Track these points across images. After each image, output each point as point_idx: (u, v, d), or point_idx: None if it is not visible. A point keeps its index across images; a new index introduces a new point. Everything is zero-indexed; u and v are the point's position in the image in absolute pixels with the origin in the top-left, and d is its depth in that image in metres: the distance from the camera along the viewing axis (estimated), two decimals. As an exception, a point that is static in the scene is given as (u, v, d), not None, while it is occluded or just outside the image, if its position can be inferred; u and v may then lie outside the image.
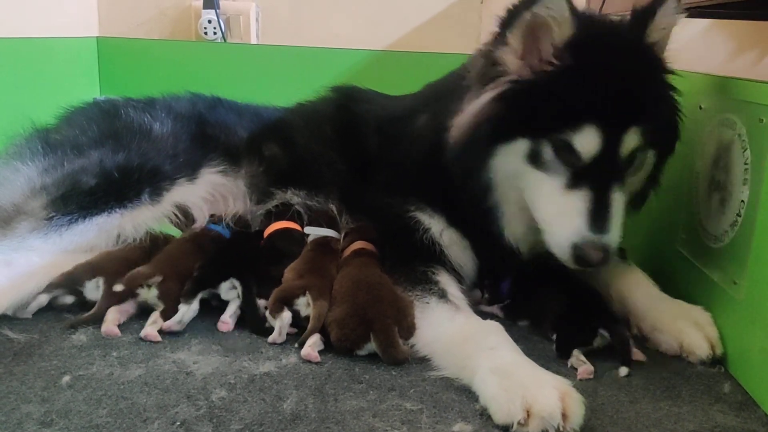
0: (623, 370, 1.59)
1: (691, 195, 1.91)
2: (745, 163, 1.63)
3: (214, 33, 3.20)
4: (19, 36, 2.68)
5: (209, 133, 2.23)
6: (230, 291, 1.77)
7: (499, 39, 1.67)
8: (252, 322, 1.74)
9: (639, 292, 1.84)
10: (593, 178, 1.60)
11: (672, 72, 1.71)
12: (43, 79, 2.81)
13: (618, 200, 1.62)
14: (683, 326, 1.69)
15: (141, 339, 1.67)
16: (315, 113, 2.35)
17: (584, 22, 1.64)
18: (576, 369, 1.60)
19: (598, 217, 1.59)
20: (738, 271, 1.62)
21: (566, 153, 1.61)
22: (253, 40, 3.28)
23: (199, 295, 1.74)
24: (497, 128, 1.66)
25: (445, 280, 1.81)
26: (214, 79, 3.00)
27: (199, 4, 3.23)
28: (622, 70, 1.62)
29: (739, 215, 1.64)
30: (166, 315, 1.70)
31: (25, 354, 1.58)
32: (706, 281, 1.78)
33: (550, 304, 1.78)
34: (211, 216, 2.13)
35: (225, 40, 3.22)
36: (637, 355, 1.65)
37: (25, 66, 2.71)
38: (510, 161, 1.68)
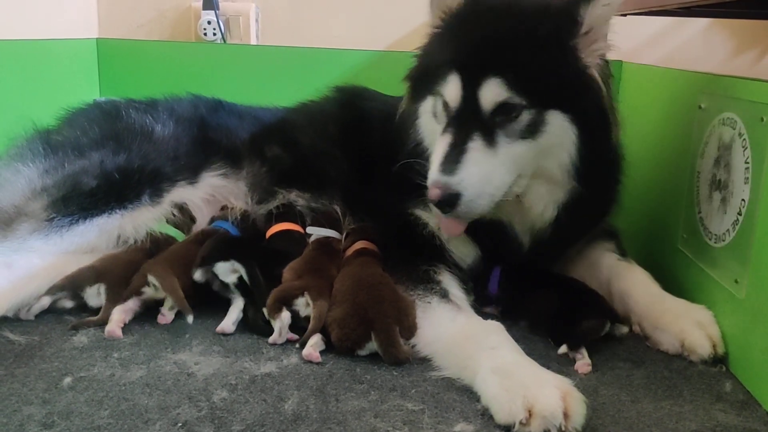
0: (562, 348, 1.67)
1: (692, 194, 1.90)
2: (746, 162, 1.63)
3: (214, 34, 3.19)
4: (20, 38, 2.68)
5: (210, 136, 2.23)
6: (229, 274, 1.77)
7: (429, 17, 1.83)
8: (261, 301, 1.73)
9: (640, 291, 1.84)
10: (455, 125, 1.66)
11: (577, 46, 1.65)
12: (43, 80, 2.80)
13: (476, 149, 1.62)
14: (685, 325, 1.69)
15: (142, 340, 1.67)
16: (319, 112, 2.35)
17: None
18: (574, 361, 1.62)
19: (447, 159, 1.62)
20: (740, 270, 1.62)
21: (445, 106, 1.71)
22: (253, 41, 3.27)
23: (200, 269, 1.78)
24: (415, 91, 1.85)
25: (447, 279, 1.80)
26: (214, 80, 2.99)
27: (198, 5, 3.23)
28: (486, 27, 1.69)
29: (740, 214, 1.64)
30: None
31: (27, 356, 1.58)
32: (707, 280, 1.77)
33: (542, 304, 1.79)
34: (222, 209, 2.13)
35: (225, 41, 3.22)
36: (582, 368, 1.61)
37: (25, 68, 2.70)
38: (425, 118, 1.82)
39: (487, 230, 1.83)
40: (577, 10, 1.64)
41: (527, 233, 1.86)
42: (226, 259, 1.78)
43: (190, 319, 1.74)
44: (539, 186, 1.75)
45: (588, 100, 1.68)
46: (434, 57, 1.77)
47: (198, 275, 1.79)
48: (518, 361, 1.47)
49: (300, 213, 2.12)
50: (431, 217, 1.89)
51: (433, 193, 1.61)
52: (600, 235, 2.06)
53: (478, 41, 1.68)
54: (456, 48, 1.70)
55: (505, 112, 1.64)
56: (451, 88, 1.67)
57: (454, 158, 1.62)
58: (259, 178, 2.23)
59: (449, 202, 1.61)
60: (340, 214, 2.13)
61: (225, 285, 1.79)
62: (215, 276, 1.79)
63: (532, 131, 1.66)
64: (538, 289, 1.85)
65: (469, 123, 1.64)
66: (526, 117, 1.64)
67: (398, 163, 1.87)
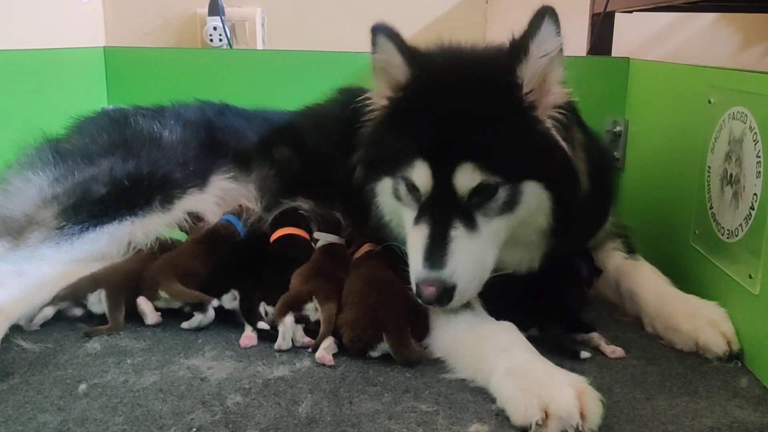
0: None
1: (703, 190, 1.89)
2: (758, 156, 1.62)
3: (220, 40, 3.21)
4: (27, 48, 2.70)
5: (219, 139, 2.23)
6: (233, 302, 1.78)
7: (374, 87, 1.76)
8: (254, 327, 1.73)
9: (648, 290, 1.83)
10: (431, 213, 1.59)
11: (534, 110, 1.60)
12: (51, 89, 2.82)
13: (460, 237, 1.55)
14: (697, 324, 1.67)
15: (154, 346, 1.68)
16: (323, 115, 2.35)
17: (425, 62, 1.66)
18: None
19: (433, 253, 1.55)
20: (753, 265, 1.60)
21: (412, 189, 1.63)
22: (259, 46, 3.29)
23: (211, 305, 1.76)
24: (369, 170, 1.78)
25: None
26: (221, 85, 3.00)
27: (204, 12, 3.25)
28: (451, 109, 1.59)
29: (752, 209, 1.62)
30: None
31: (41, 363, 1.59)
32: (721, 276, 1.76)
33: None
34: (239, 206, 2.15)
35: (231, 47, 3.23)
36: (614, 353, 1.64)
37: (33, 77, 2.72)
38: (384, 198, 1.78)
39: None
40: (514, 72, 1.57)
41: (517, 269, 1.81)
42: (226, 290, 1.78)
43: (214, 302, 1.75)
44: (515, 250, 1.72)
45: (555, 162, 1.63)
46: (391, 141, 1.67)
47: (211, 313, 1.77)
48: (532, 361, 1.46)
49: (304, 217, 2.12)
50: None
51: (428, 292, 1.53)
52: (607, 235, 2.04)
53: (442, 127, 1.59)
54: (419, 134, 1.61)
55: (481, 193, 1.58)
56: (421, 176, 1.59)
57: (438, 250, 1.54)
58: (268, 181, 2.23)
59: (446, 297, 1.54)
60: (340, 217, 2.14)
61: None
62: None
63: (509, 205, 1.61)
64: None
65: (446, 210, 1.57)
66: (502, 194, 1.59)
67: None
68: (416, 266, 1.57)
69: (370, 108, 1.78)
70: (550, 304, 1.75)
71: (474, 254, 1.58)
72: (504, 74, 1.59)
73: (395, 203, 1.73)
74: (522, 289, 1.76)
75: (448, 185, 1.57)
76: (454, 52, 1.76)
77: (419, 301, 1.59)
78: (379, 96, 1.75)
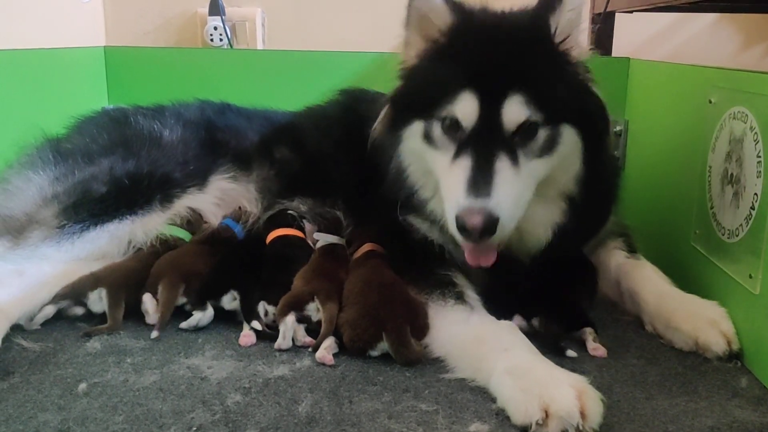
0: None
1: (703, 190, 1.89)
2: (758, 156, 1.62)
3: (221, 39, 3.21)
4: (28, 47, 2.70)
5: (219, 138, 2.24)
6: (233, 302, 1.78)
7: (405, 40, 1.76)
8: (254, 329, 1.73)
9: (649, 290, 1.83)
10: (475, 147, 1.58)
11: (569, 56, 1.67)
12: (51, 89, 2.82)
13: (505, 169, 1.56)
14: (697, 323, 1.68)
15: (154, 345, 1.68)
16: (323, 116, 2.35)
17: (466, 10, 1.71)
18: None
19: (478, 183, 1.53)
20: (754, 265, 1.60)
21: (451, 127, 1.63)
22: (260, 46, 3.29)
23: (209, 303, 1.77)
24: (399, 115, 1.77)
25: (463, 282, 1.78)
26: (222, 85, 3.00)
27: (204, 12, 3.25)
28: (498, 44, 1.64)
29: (753, 208, 1.62)
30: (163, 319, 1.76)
31: (41, 363, 1.59)
32: (721, 276, 1.76)
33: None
34: (239, 209, 2.15)
35: (231, 46, 3.23)
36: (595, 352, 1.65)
37: (34, 77, 2.72)
38: (411, 144, 1.75)
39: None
40: (548, 21, 1.63)
41: (525, 256, 1.83)
42: (225, 291, 1.78)
43: (200, 318, 1.75)
44: (536, 207, 1.70)
45: (590, 108, 1.67)
46: (434, 77, 1.69)
47: (210, 311, 1.78)
48: (533, 361, 1.46)
49: (294, 218, 2.11)
50: (421, 223, 1.87)
51: (474, 221, 1.49)
52: (608, 234, 2.05)
53: (491, 59, 1.62)
54: (467, 67, 1.62)
55: (524, 131, 1.59)
56: (467, 107, 1.59)
57: (484, 180, 1.53)
58: (269, 182, 2.23)
59: (490, 228, 1.51)
60: (341, 217, 2.14)
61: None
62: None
63: (548, 147, 1.63)
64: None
65: (490, 143, 1.57)
66: (542, 135, 1.62)
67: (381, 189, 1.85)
68: (458, 198, 1.54)
69: (402, 61, 1.78)
70: (558, 298, 1.76)
71: (516, 190, 1.58)
72: (539, 21, 1.65)
73: (423, 147, 1.71)
74: (534, 281, 1.78)
75: (495, 118, 1.58)
76: (488, 7, 1.79)
77: (462, 236, 1.55)
78: (410, 48, 1.75)
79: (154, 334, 1.71)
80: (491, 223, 1.51)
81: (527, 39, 1.65)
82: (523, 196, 1.61)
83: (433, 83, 1.68)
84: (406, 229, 1.89)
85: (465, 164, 1.57)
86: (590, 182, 1.72)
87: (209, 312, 1.76)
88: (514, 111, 1.58)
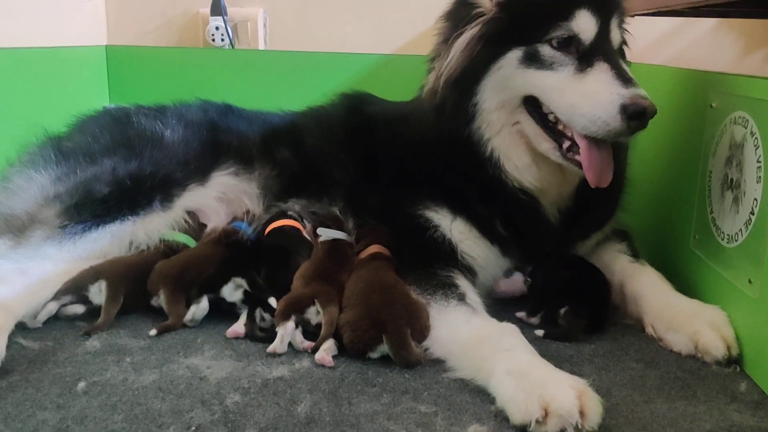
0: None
1: (704, 194, 1.90)
2: (758, 161, 1.62)
3: (222, 39, 3.20)
4: (30, 46, 2.70)
5: (221, 138, 2.24)
6: (234, 292, 1.78)
7: None
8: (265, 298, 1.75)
9: (652, 292, 1.84)
10: (601, 54, 1.73)
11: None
12: (53, 87, 2.82)
13: (629, 71, 1.72)
14: (698, 326, 1.68)
15: (154, 344, 1.68)
16: (325, 117, 2.35)
17: None
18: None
19: (625, 78, 1.69)
20: (753, 270, 1.61)
21: (567, 44, 1.74)
22: (261, 46, 3.29)
23: (205, 296, 1.78)
24: (490, 48, 1.79)
25: (464, 284, 1.81)
26: (223, 85, 3.01)
27: (206, 11, 3.24)
28: None
29: (752, 214, 1.63)
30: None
31: (40, 361, 1.59)
32: (721, 281, 1.76)
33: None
34: (246, 213, 2.16)
35: (233, 47, 3.23)
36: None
37: (35, 75, 2.72)
38: (504, 72, 1.79)
39: (515, 211, 1.88)
40: None
41: (554, 207, 1.90)
42: (226, 280, 1.79)
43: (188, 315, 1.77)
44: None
45: None
46: (539, 4, 1.78)
47: (204, 303, 1.78)
48: (533, 362, 1.47)
49: (292, 216, 2.13)
50: (440, 218, 1.90)
51: (646, 101, 1.63)
52: (612, 236, 2.07)
53: None
54: None
55: (620, 47, 1.84)
56: (586, 22, 1.74)
57: (627, 76, 1.69)
58: (270, 181, 2.23)
59: (654, 111, 1.65)
60: (341, 215, 2.14)
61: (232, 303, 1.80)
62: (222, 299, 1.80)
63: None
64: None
65: (609, 49, 1.76)
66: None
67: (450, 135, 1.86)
68: (617, 91, 1.66)
69: (478, 12, 1.82)
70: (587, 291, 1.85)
71: None
72: None
73: (521, 71, 1.77)
74: (566, 272, 1.88)
75: (606, 34, 1.77)
76: None
77: (628, 124, 1.64)
78: None
79: (153, 331, 1.72)
80: (654, 108, 1.64)
81: None
82: None
83: (542, 9, 1.77)
84: (421, 225, 1.90)
85: (603, 67, 1.71)
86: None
87: (203, 304, 1.77)
88: (617, 29, 1.81)
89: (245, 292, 1.79)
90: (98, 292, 1.79)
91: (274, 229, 2.05)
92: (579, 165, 1.74)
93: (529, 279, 1.93)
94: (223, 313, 1.80)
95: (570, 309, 1.78)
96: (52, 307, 1.77)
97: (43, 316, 1.75)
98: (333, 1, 3.26)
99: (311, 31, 3.28)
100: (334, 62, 3.02)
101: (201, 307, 1.77)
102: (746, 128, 1.69)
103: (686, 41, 2.78)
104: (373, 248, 1.93)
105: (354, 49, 3.12)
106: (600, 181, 1.73)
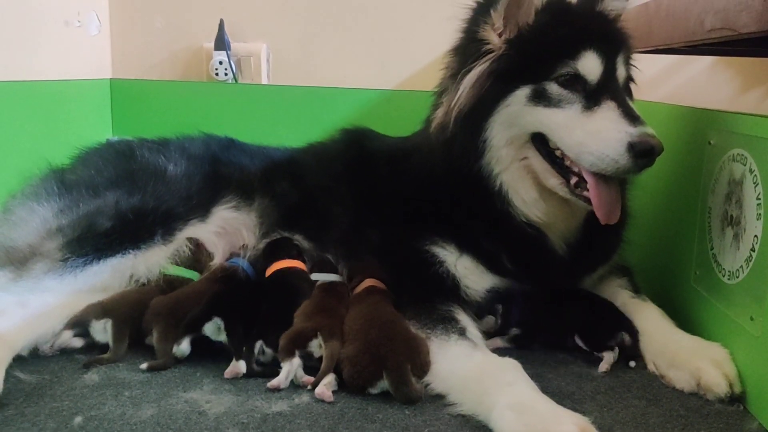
0: (632, 363, 1.82)
1: (704, 231, 1.90)
2: (758, 198, 1.63)
3: (225, 74, 3.24)
4: (34, 79, 2.73)
5: (223, 172, 2.25)
6: (219, 333, 1.74)
7: (481, 19, 1.86)
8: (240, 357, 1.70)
9: (654, 329, 1.84)
10: (608, 92, 1.77)
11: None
12: (57, 120, 2.84)
13: (636, 110, 1.75)
14: (700, 363, 1.67)
15: (152, 378, 1.67)
16: (325, 152, 2.37)
17: None
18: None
19: (632, 117, 1.71)
20: (755, 307, 1.60)
21: (573, 83, 1.78)
22: (264, 81, 3.32)
23: (187, 337, 1.74)
24: (499, 86, 1.81)
25: (465, 318, 1.80)
26: (226, 119, 3.03)
27: (210, 46, 3.28)
28: (596, 16, 1.90)
29: (753, 250, 1.63)
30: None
31: (37, 395, 1.57)
32: (722, 317, 1.76)
33: (570, 315, 1.90)
34: (243, 247, 2.15)
35: (236, 81, 3.26)
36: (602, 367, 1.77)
37: (40, 108, 2.75)
38: (512, 109, 1.81)
39: (523, 245, 1.88)
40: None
41: (561, 240, 1.91)
42: (208, 319, 1.75)
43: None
44: None
45: None
46: (546, 42, 1.80)
47: (185, 345, 1.74)
48: (535, 398, 1.46)
49: (296, 246, 2.13)
50: (446, 254, 1.90)
51: (655, 140, 1.66)
52: (613, 272, 2.08)
53: (602, 24, 1.87)
54: (584, 31, 1.81)
55: (625, 84, 1.88)
56: (591, 62, 1.77)
57: (635, 115, 1.72)
58: (269, 210, 2.24)
59: (661, 150, 1.67)
60: (338, 247, 2.14)
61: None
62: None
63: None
64: (563, 304, 1.92)
65: (618, 91, 1.79)
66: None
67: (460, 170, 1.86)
68: (625, 128, 1.69)
69: (487, 48, 1.85)
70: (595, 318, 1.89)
71: None
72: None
73: (528, 109, 1.80)
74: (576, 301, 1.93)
75: (611, 71, 1.81)
76: None
77: (635, 162, 1.67)
78: (497, 30, 1.84)
79: (144, 365, 1.71)
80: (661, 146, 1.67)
81: (608, 16, 1.92)
82: None
83: (549, 50, 1.80)
84: (426, 261, 1.90)
85: (611, 106, 1.74)
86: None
87: (183, 346, 1.73)
88: (623, 67, 1.85)
89: (227, 334, 1.74)
90: (101, 330, 1.78)
91: (281, 270, 2.03)
92: (587, 201, 1.75)
93: (499, 320, 1.91)
94: (221, 347, 1.78)
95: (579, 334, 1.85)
96: (67, 336, 1.78)
97: (59, 344, 1.77)
98: (335, 37, 3.31)
99: (313, 67, 3.32)
100: (335, 97, 3.06)
101: (181, 349, 1.74)
102: (745, 165, 1.70)
103: (684, 79, 2.81)
104: (368, 282, 1.93)
105: (355, 84, 3.16)
106: (610, 218, 1.74)
